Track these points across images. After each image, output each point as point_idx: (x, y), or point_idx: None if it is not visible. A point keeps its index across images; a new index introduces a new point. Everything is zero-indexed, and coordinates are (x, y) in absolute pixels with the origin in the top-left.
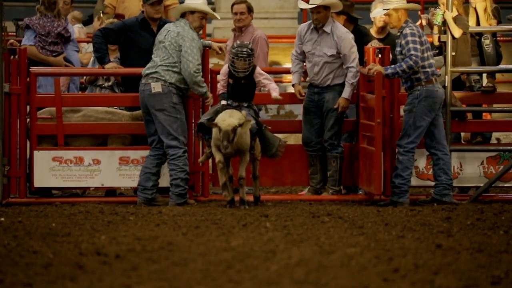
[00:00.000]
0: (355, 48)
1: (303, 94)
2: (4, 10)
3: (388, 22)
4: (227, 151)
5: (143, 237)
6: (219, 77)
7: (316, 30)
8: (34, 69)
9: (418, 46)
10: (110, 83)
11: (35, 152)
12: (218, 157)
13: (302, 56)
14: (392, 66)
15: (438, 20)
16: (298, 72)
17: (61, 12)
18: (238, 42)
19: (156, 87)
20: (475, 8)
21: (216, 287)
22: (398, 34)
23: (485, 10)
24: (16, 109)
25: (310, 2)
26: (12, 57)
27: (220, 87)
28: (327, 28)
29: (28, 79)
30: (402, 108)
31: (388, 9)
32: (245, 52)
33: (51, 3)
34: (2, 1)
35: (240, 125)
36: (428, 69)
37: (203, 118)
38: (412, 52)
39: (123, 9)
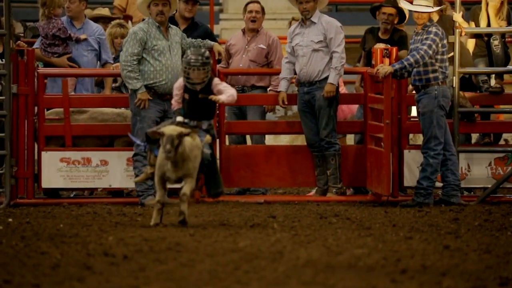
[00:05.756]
0: (342, 35)
1: (286, 103)
2: (12, 11)
3: (418, 19)
4: (170, 156)
5: (151, 238)
6: (173, 91)
7: (303, 24)
8: (41, 70)
9: (434, 47)
10: (117, 84)
11: (43, 153)
12: (159, 195)
13: (293, 57)
14: (399, 61)
15: None
16: (287, 78)
17: (52, 13)
18: (192, 49)
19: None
20: (487, 8)
21: None
22: (420, 31)
23: (499, 10)
24: (24, 110)
25: None
26: (20, 58)
27: (175, 103)
28: (314, 19)
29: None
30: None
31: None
32: (199, 60)
33: (42, 4)
34: (9, 2)
35: (187, 134)
36: (445, 71)
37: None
38: (425, 47)
39: (133, 10)
